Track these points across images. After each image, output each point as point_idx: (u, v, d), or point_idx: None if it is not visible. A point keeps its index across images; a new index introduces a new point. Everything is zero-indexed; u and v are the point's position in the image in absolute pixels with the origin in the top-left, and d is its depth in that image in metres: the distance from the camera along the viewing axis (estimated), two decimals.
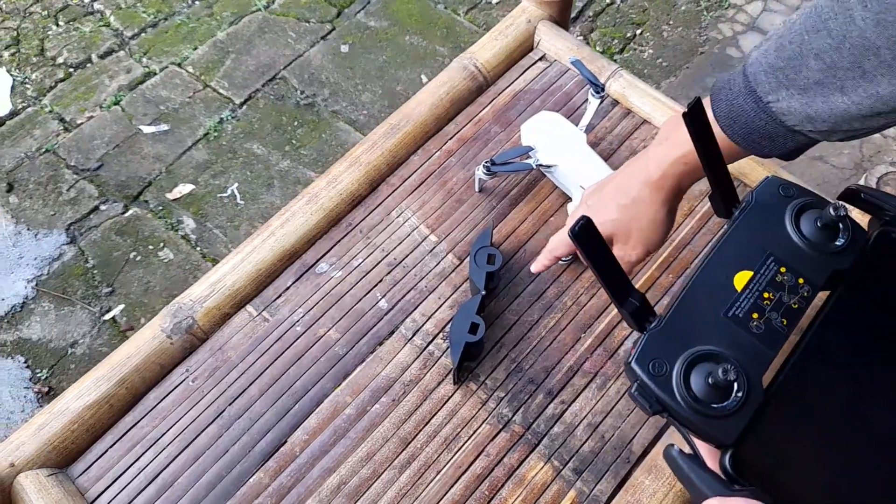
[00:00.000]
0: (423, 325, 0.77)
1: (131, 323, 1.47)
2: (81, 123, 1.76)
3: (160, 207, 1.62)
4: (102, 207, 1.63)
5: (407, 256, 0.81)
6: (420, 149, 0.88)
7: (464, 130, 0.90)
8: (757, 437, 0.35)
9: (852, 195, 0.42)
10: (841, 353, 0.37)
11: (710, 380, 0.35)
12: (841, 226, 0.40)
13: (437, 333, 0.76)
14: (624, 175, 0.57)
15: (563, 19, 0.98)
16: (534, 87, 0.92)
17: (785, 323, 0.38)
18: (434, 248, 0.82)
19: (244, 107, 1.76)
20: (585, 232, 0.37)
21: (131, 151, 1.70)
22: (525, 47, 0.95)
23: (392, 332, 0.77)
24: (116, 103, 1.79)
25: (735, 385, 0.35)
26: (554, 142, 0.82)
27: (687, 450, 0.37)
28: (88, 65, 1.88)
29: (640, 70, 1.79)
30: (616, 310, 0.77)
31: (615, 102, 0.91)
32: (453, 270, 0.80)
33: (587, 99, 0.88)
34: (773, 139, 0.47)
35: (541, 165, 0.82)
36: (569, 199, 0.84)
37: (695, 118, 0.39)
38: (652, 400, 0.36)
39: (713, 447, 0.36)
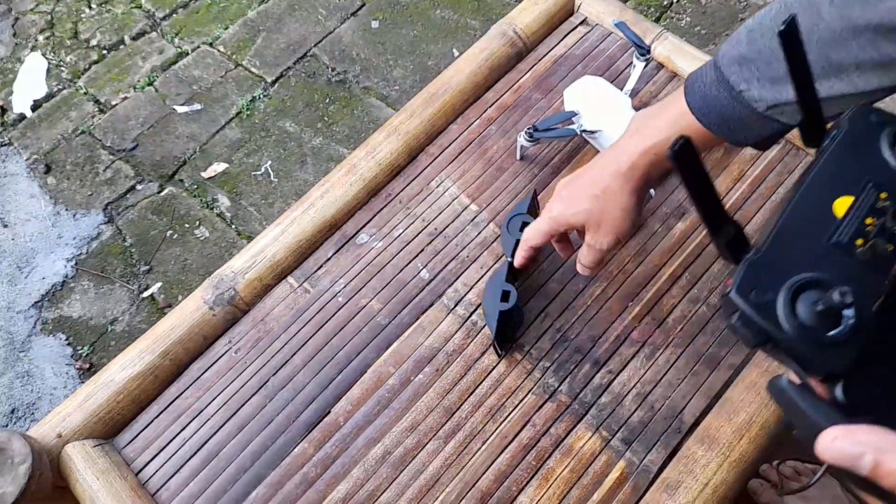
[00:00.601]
0: (465, 295, 0.76)
1: (169, 300, 1.48)
2: (116, 105, 1.77)
3: (195, 186, 1.62)
4: (138, 187, 1.64)
5: (448, 226, 0.80)
6: (459, 117, 0.86)
7: (504, 98, 0.88)
8: (868, 367, 0.32)
9: None
10: None
11: (819, 306, 0.33)
12: None
13: (480, 303, 0.75)
14: (596, 167, 0.59)
15: None
16: (575, 52, 0.90)
17: (890, 249, 0.35)
18: (475, 217, 0.80)
19: (276, 85, 1.76)
20: (684, 151, 0.34)
21: (165, 131, 1.71)
22: (565, 11, 0.92)
23: (434, 303, 0.76)
24: (150, 84, 1.79)
25: (847, 311, 0.33)
26: (598, 107, 0.80)
27: (796, 381, 0.34)
28: (121, 46, 1.89)
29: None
30: (664, 280, 0.75)
31: (660, 66, 0.88)
32: (495, 240, 0.79)
33: (631, 63, 0.85)
34: (747, 126, 0.50)
35: (585, 131, 0.79)
36: None
37: (790, 37, 0.37)
38: (754, 331, 0.34)
39: (820, 380, 0.34)
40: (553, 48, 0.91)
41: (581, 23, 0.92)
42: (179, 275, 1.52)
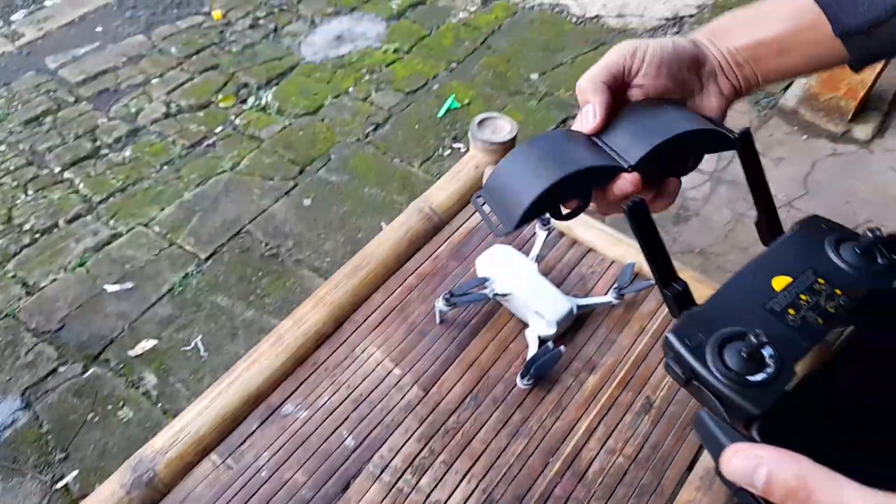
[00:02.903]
0: (391, 462, 0.76)
1: (85, 490, 1.39)
2: (45, 286, 1.77)
3: (121, 365, 1.59)
4: (61, 369, 1.60)
5: (372, 391, 0.82)
6: (382, 286, 0.92)
7: (423, 267, 0.94)
8: (785, 417, 0.35)
9: (894, 241, 0.44)
10: (875, 358, 0.39)
11: (743, 352, 0.36)
12: (878, 253, 0.42)
13: (406, 469, 0.76)
14: None
15: None
16: (486, 225, 0.99)
17: (821, 322, 0.39)
18: (399, 381, 0.83)
19: (209, 261, 1.80)
20: (638, 210, 0.38)
21: (94, 311, 1.70)
22: (475, 189, 1.03)
23: (360, 471, 0.76)
24: (81, 265, 1.81)
25: (767, 360, 0.36)
26: (508, 272, 0.87)
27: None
28: (55, 230, 1.92)
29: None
30: (581, 434, 0.78)
31: (561, 234, 0.98)
32: (419, 402, 0.81)
33: (535, 232, 0.94)
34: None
35: (497, 295, 0.86)
36: (526, 325, 0.87)
37: (745, 146, 0.43)
38: (685, 368, 0.37)
39: (741, 426, 0.36)
40: (466, 221, 1.00)
41: None
42: (98, 461, 1.44)
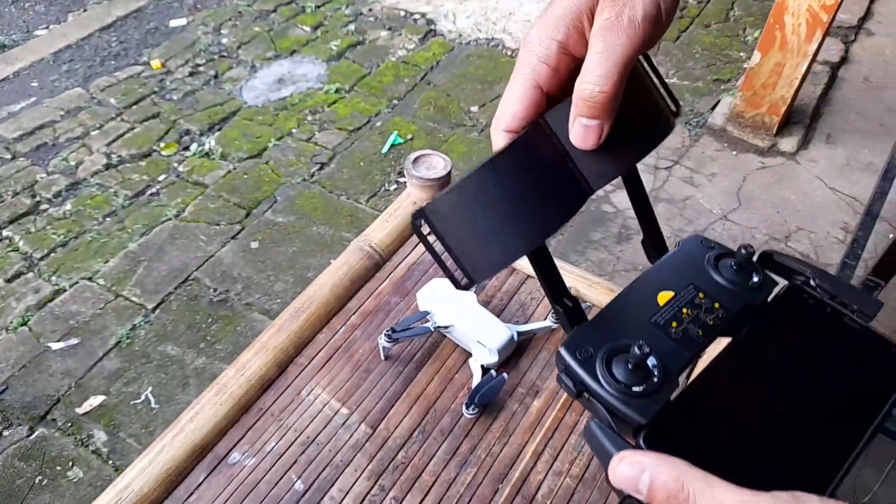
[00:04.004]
0: (341, 502, 0.76)
1: None
2: None
3: (69, 424, 1.55)
4: (5, 433, 1.54)
5: (320, 433, 0.82)
6: (325, 327, 0.93)
7: (365, 304, 0.95)
8: (670, 425, 0.37)
9: (766, 258, 0.47)
10: (750, 365, 0.42)
11: (629, 364, 0.38)
12: (753, 269, 0.45)
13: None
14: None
15: None
16: (426, 259, 1.01)
17: (700, 334, 0.41)
18: (346, 420, 0.83)
19: (157, 311, 1.78)
20: None
21: (38, 370, 1.66)
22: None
23: None
24: (24, 324, 1.76)
25: (651, 370, 0.38)
26: (448, 304, 0.89)
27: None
28: None
29: None
30: (528, 458, 0.79)
31: None
32: (367, 440, 0.82)
33: None
34: None
35: (439, 327, 0.87)
36: (469, 354, 0.89)
37: (630, 180, 0.46)
38: (576, 381, 0.39)
39: (630, 436, 0.37)
40: (406, 256, 1.01)
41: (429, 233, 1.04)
42: None
